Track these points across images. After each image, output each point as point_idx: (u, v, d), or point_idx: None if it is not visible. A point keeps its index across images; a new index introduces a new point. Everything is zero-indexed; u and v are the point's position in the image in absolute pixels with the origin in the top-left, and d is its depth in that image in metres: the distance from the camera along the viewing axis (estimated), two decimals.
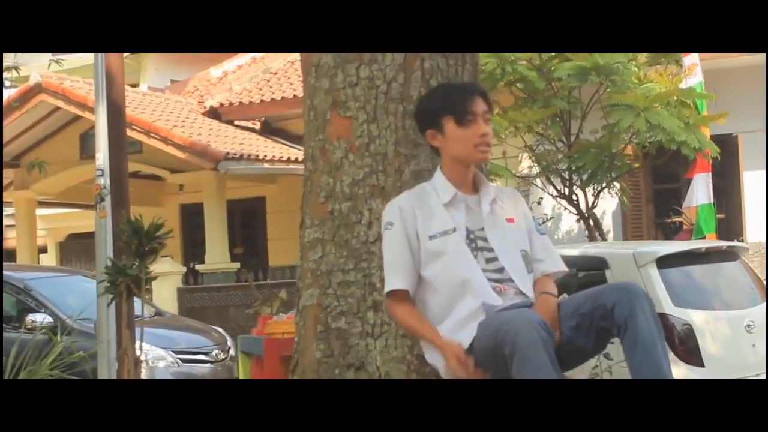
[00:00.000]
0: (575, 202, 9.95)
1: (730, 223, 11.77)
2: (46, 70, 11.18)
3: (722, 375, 5.69)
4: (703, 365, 5.83)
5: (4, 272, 9.73)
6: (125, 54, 10.08)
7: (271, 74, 15.79)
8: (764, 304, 6.42)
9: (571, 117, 9.83)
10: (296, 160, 13.75)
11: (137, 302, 5.99)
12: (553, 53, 9.52)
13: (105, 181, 7.53)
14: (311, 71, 3.63)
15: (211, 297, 13.79)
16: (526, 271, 3.19)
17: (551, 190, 10.20)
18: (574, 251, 6.65)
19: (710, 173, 9.62)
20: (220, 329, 10.21)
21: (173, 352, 9.01)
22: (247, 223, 16.96)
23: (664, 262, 6.16)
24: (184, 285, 14.25)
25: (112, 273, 4.76)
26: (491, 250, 3.14)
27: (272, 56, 16.70)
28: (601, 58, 8.90)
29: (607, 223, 11.81)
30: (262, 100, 14.94)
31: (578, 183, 9.79)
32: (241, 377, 5.34)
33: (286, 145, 14.95)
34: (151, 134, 13.70)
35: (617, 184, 10.13)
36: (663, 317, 5.40)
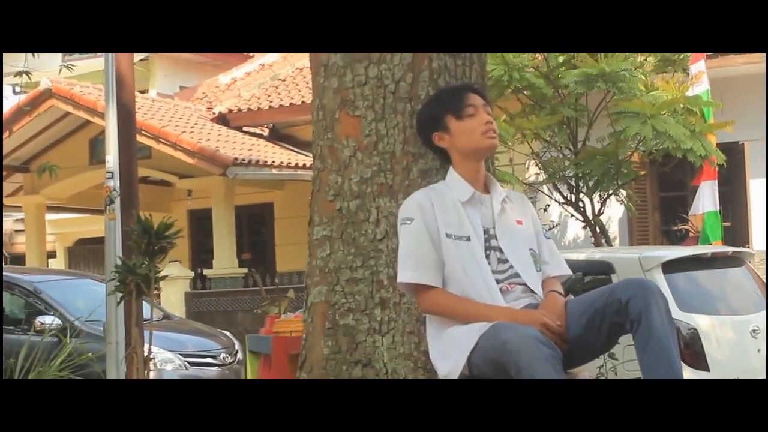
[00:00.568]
0: (582, 209, 9.97)
1: (736, 230, 11.77)
2: (57, 75, 11.25)
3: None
4: (708, 369, 5.86)
5: (14, 275, 9.81)
6: (135, 60, 10.14)
7: (279, 81, 15.86)
8: None
9: (577, 124, 9.87)
10: (304, 166, 13.80)
11: (146, 306, 6.04)
12: (561, 60, 9.58)
13: (115, 183, 7.57)
14: (320, 71, 3.68)
15: (218, 302, 13.85)
16: (535, 270, 3.22)
17: (558, 197, 10.23)
18: (580, 256, 6.69)
19: (716, 181, 9.63)
20: (227, 333, 10.26)
21: (181, 355, 9.06)
22: (255, 228, 17.01)
23: (670, 267, 6.19)
24: (191, 290, 14.30)
25: (121, 272, 4.80)
26: (501, 249, 3.17)
27: (281, 63, 16.78)
28: (607, 66, 8.94)
29: (614, 230, 11.83)
30: (270, 107, 15.00)
31: (585, 190, 9.81)
32: (249, 376, 5.37)
33: (294, 151, 15.00)
34: (160, 140, 13.75)
35: (624, 192, 10.15)
36: None
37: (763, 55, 9.88)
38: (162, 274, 4.95)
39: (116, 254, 7.24)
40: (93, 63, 15.00)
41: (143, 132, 13.09)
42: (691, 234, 10.39)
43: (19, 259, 16.36)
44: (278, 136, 15.77)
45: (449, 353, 3.09)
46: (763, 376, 6.00)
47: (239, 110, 15.36)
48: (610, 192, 9.82)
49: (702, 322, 6.01)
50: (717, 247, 8.15)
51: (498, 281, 3.13)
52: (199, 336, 9.81)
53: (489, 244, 3.17)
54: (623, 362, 4.39)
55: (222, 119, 15.45)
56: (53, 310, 9.10)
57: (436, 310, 3.15)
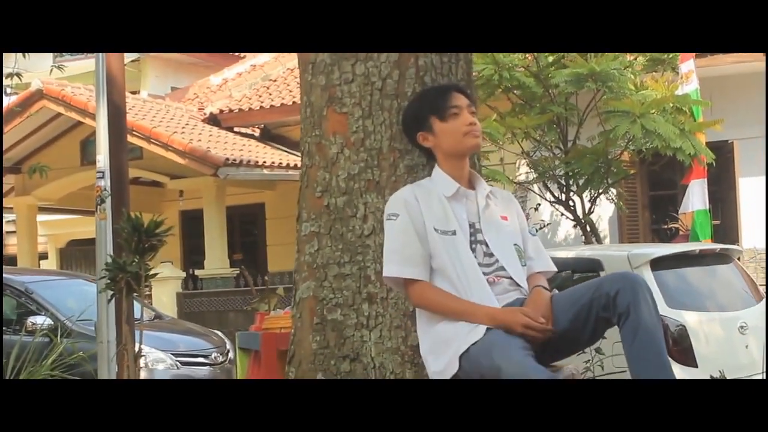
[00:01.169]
0: (572, 208, 10.00)
1: (725, 229, 11.82)
2: (48, 76, 11.25)
3: (715, 376, 5.74)
4: (696, 366, 5.89)
5: (6, 275, 9.79)
6: (126, 61, 10.15)
7: (270, 81, 15.90)
8: (757, 306, 6.48)
9: (567, 123, 9.91)
10: (295, 167, 13.81)
11: (136, 305, 6.04)
12: (551, 60, 9.61)
13: (105, 183, 7.58)
14: (308, 68, 3.71)
15: (210, 302, 13.86)
16: (520, 264, 3.25)
17: (548, 196, 10.27)
18: (569, 253, 6.73)
19: (706, 179, 9.68)
20: (219, 332, 10.27)
21: (172, 354, 9.05)
22: (247, 229, 17.03)
23: (658, 264, 6.22)
24: (183, 290, 14.31)
25: (112, 269, 4.81)
26: (487, 243, 3.20)
27: (272, 64, 16.81)
28: (597, 65, 8.98)
29: (604, 229, 11.88)
30: (261, 107, 15.03)
31: (575, 189, 9.85)
32: (239, 373, 5.38)
33: (285, 151, 15.02)
34: (152, 140, 13.77)
35: (614, 190, 10.20)
36: None
37: (752, 54, 9.94)
38: (153, 272, 4.95)
39: (107, 254, 7.25)
40: (84, 64, 15.04)
41: (134, 132, 13.11)
42: (680, 232, 10.44)
43: (10, 261, 16.32)
44: (269, 136, 15.79)
45: (440, 351, 3.10)
46: (750, 372, 6.03)
47: (230, 111, 15.39)
48: (600, 191, 9.85)
49: (690, 318, 6.04)
50: (705, 244, 8.18)
51: (485, 273, 3.15)
52: (190, 336, 9.82)
53: (474, 238, 3.20)
54: (611, 356, 4.41)
55: (213, 120, 15.47)
56: (44, 310, 9.08)
57: (424, 304, 3.17)
